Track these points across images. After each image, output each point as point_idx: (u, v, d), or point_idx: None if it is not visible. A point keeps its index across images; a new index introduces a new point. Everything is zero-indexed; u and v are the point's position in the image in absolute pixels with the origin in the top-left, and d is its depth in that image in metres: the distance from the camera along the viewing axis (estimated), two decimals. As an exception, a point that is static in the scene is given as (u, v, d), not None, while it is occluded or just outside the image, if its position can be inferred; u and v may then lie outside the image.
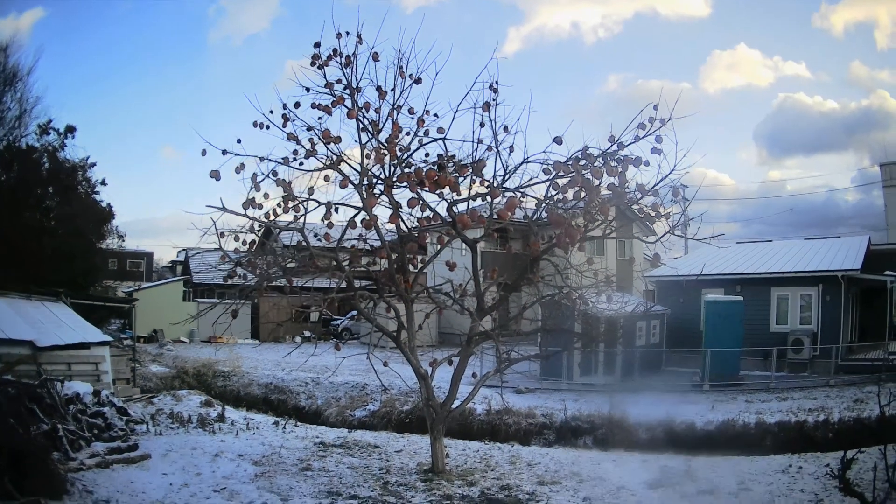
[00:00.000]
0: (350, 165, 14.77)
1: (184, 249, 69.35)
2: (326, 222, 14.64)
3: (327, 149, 14.56)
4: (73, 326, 21.59)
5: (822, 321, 32.18)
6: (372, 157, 14.28)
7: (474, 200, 13.84)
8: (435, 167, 13.02)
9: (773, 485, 14.74)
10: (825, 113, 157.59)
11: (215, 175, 13.43)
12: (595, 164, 12.76)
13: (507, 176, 13.48)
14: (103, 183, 47.39)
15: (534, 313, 17.11)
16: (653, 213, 13.35)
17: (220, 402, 25.23)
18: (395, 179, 13.55)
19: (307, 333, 50.24)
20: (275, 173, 14.45)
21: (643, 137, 12.88)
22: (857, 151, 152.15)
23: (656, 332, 34.01)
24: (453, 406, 16.19)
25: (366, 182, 14.17)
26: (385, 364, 15.56)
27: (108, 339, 23.22)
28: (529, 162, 13.18)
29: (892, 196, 51.47)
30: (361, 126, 14.53)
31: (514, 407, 25.04)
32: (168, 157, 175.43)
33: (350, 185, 14.22)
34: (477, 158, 13.33)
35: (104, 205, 47.75)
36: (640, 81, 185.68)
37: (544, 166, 12.88)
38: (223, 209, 13.50)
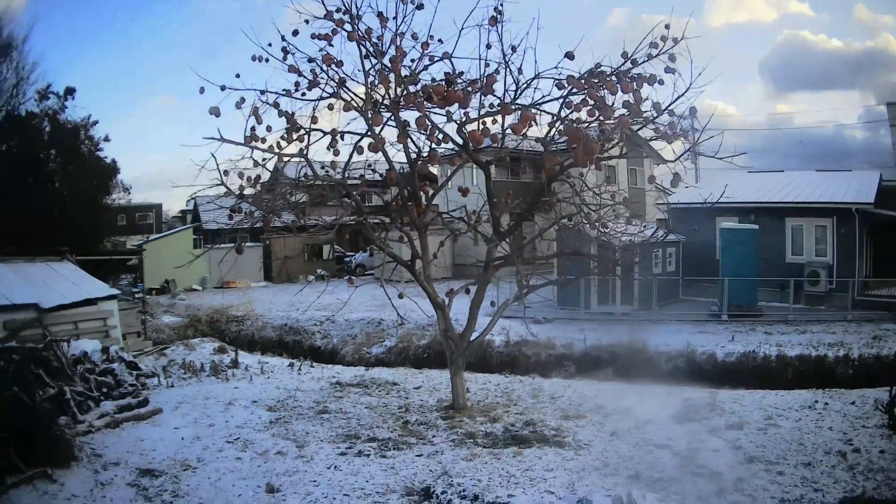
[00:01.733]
0: (353, 93, 14.14)
1: (193, 198, 68.84)
2: (332, 150, 14.11)
3: (328, 77, 13.98)
4: (77, 283, 21.08)
5: (838, 254, 31.70)
6: (376, 79, 13.61)
7: (484, 120, 13.13)
8: (443, 83, 12.32)
9: (800, 421, 14.37)
10: (830, 51, 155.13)
11: (215, 111, 12.74)
12: (609, 81, 12.10)
13: (518, 92, 12.77)
14: (106, 139, 47.73)
15: (548, 241, 16.54)
16: (670, 133, 12.67)
17: (233, 347, 24.92)
18: (401, 99, 12.82)
19: (320, 272, 49.97)
20: (276, 105, 13.90)
21: (656, 56, 12.35)
22: (863, 90, 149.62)
23: (672, 261, 33.69)
24: (472, 337, 15.74)
25: (371, 102, 13.48)
26: (401, 296, 14.97)
27: (115, 292, 22.71)
28: (541, 77, 12.47)
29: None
30: (364, 53, 13.88)
31: (532, 338, 24.41)
32: (170, 105, 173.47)
33: (355, 110, 13.52)
34: (487, 74, 12.65)
35: (108, 160, 47.66)
36: (644, 16, 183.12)
37: (557, 81, 12.17)
38: (221, 139, 12.89)
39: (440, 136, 13.41)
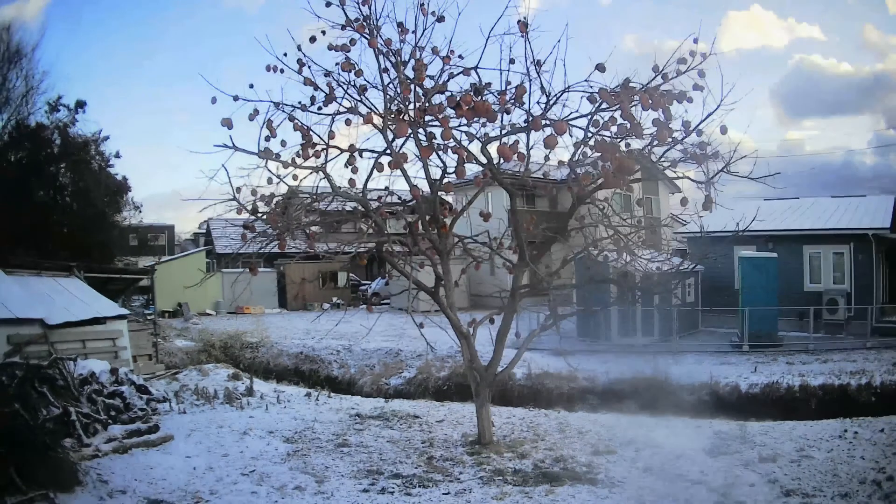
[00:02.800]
0: (372, 105, 13.45)
1: (206, 221, 68.67)
2: (350, 167, 13.43)
3: (346, 88, 13.37)
4: (86, 301, 20.38)
5: (855, 281, 31.82)
6: (398, 90, 12.92)
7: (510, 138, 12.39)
8: (471, 93, 11.54)
9: (832, 451, 13.85)
10: (840, 75, 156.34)
11: (227, 123, 12.12)
12: (643, 95, 11.34)
13: (549, 104, 11.98)
14: (117, 156, 47.35)
15: (570, 270, 15.79)
16: (700, 153, 11.92)
17: (248, 374, 24.30)
18: (426, 108, 12.06)
19: (336, 300, 49.55)
20: (292, 118, 13.26)
21: (685, 72, 11.65)
22: (873, 114, 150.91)
23: (691, 291, 33.10)
24: (498, 369, 14.93)
25: (395, 107, 12.75)
26: (421, 326, 14.35)
27: (125, 312, 21.98)
28: (571, 91, 11.66)
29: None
30: (382, 66, 13.22)
31: (554, 370, 24.08)
32: (183, 122, 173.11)
33: (373, 126, 12.84)
34: (516, 85, 11.88)
35: (119, 177, 47.38)
36: (655, 41, 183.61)
37: (589, 95, 11.40)
38: (234, 147, 12.25)
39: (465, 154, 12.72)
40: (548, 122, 11.54)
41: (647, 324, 30.01)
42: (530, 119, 11.68)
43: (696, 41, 11.46)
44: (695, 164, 12.18)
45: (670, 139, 11.80)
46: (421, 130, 12.45)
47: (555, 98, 11.75)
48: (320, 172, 13.39)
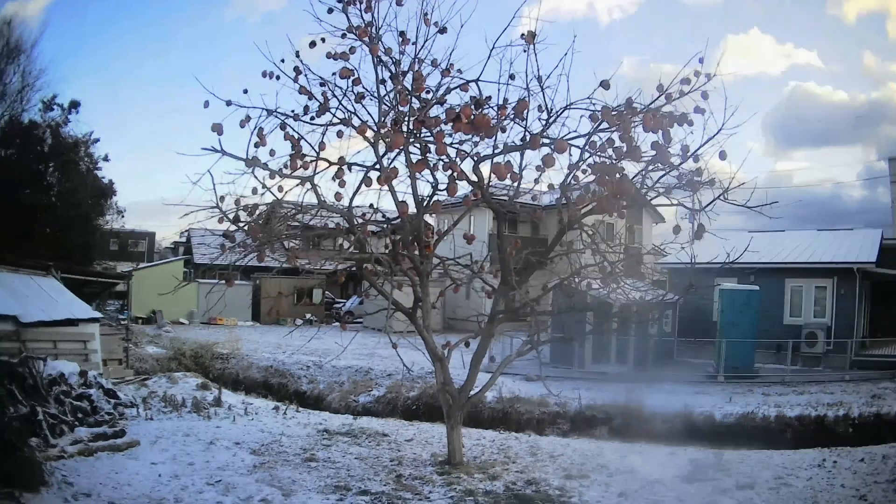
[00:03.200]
0: (367, 116, 13.40)
1: (186, 230, 68.43)
2: (338, 181, 13.24)
3: (343, 95, 13.27)
4: (60, 302, 20.17)
5: (837, 315, 31.69)
6: (395, 100, 12.87)
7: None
8: (471, 105, 11.42)
9: (811, 479, 13.86)
10: (834, 104, 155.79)
11: (217, 128, 12.01)
12: (647, 116, 11.27)
13: (549, 121, 11.93)
14: (105, 159, 47.47)
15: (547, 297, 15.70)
16: (696, 180, 11.91)
17: (217, 385, 24.02)
18: (425, 119, 11.93)
19: (309, 316, 49.42)
20: (283, 127, 13.15)
21: (688, 93, 11.54)
22: (865, 145, 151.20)
23: (668, 322, 32.87)
24: (472, 393, 14.88)
25: (390, 118, 12.62)
26: (394, 346, 13.92)
27: (98, 315, 21.75)
28: (573, 108, 11.58)
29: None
30: (380, 77, 13.20)
31: (525, 394, 24.20)
32: (176, 127, 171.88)
33: (365, 139, 12.75)
34: (518, 99, 11.78)
35: (105, 181, 47.24)
36: (652, 64, 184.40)
37: (591, 113, 11.35)
38: (221, 151, 12.15)
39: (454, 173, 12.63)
40: (547, 141, 11.50)
41: (621, 352, 29.97)
42: (528, 136, 11.57)
43: (701, 61, 11.38)
44: (689, 192, 12.11)
45: (669, 163, 11.77)
46: (415, 144, 12.35)
47: (556, 115, 11.71)
48: (307, 184, 13.24)
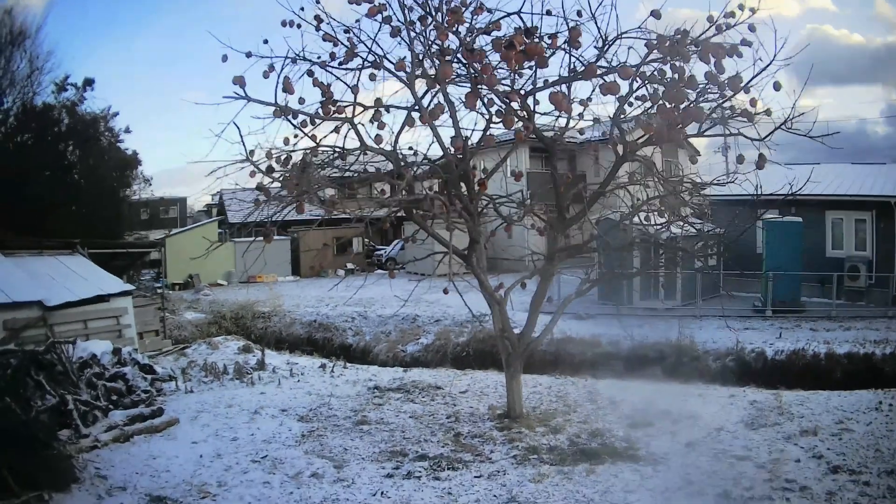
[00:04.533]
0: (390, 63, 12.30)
1: (219, 192, 67.98)
2: (376, 123, 12.35)
3: (370, 49, 12.33)
4: (88, 279, 19.32)
5: (877, 248, 31.14)
6: (430, 34, 11.80)
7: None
8: (522, 34, 10.25)
9: (871, 424, 13.18)
10: (852, 46, 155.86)
11: (239, 80, 11.08)
12: (707, 44, 10.27)
13: (604, 48, 10.81)
14: (127, 131, 47.52)
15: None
16: (752, 109, 10.84)
17: (259, 346, 23.24)
18: (472, 47, 10.80)
19: (350, 266, 48.73)
20: (311, 73, 12.21)
21: (734, 26, 10.71)
22: (885, 85, 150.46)
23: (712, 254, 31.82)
24: (532, 337, 14.00)
25: (437, 48, 11.45)
26: (445, 291, 13.03)
27: (130, 288, 20.88)
28: (625, 37, 10.54)
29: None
30: (407, 17, 12.07)
31: (576, 335, 23.40)
32: (196, 99, 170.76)
33: (401, 80, 11.74)
34: (570, 27, 10.66)
35: (129, 152, 47.34)
36: (671, 9, 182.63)
37: (647, 41, 10.28)
38: (246, 97, 11.23)
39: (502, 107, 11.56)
40: (603, 71, 10.44)
41: (669, 288, 29.41)
42: (575, 67, 10.53)
43: None
44: (745, 122, 11.19)
45: (724, 93, 10.87)
46: (465, 74, 11.26)
47: (610, 43, 10.66)
48: (343, 129, 12.51)
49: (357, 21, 12.21)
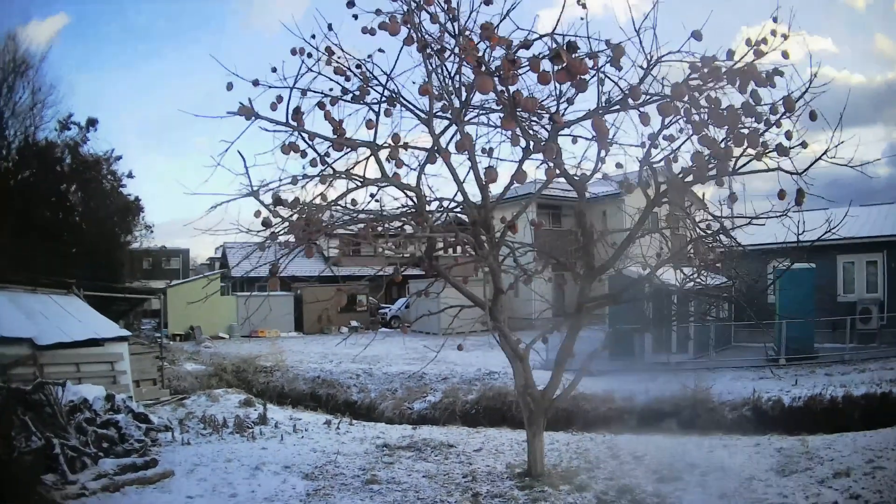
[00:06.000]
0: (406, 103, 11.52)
1: (221, 246, 67.65)
2: (394, 161, 11.47)
3: (384, 87, 11.46)
4: (82, 321, 18.49)
5: (889, 289, 31.47)
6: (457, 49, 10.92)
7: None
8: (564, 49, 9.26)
9: None
10: (853, 87, 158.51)
11: (246, 112, 10.19)
12: (753, 68, 9.46)
13: (649, 68, 9.90)
14: (130, 175, 47.33)
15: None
16: (786, 142, 10.01)
17: (261, 400, 22.38)
18: (514, 58, 9.81)
19: (354, 323, 48.07)
20: (322, 105, 11.42)
21: (767, 54, 9.96)
22: (886, 124, 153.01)
23: (724, 305, 31.27)
24: (555, 394, 13.04)
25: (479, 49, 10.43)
26: (460, 348, 13.12)
27: (126, 333, 20.03)
28: (664, 61, 9.66)
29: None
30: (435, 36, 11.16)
31: (589, 391, 22.32)
32: (201, 147, 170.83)
33: (417, 115, 10.93)
34: (614, 45, 9.70)
35: (132, 198, 46.98)
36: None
37: (691, 64, 9.41)
38: (254, 114, 10.37)
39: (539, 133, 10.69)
40: (648, 97, 9.54)
41: (681, 340, 28.78)
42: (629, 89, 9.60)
43: (775, 20, 9.92)
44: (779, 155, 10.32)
45: (764, 123, 9.94)
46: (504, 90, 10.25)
47: (652, 64, 9.73)
48: (359, 166, 11.60)
49: (369, 56, 11.54)
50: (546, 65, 8.80)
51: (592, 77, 9.58)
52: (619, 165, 11.62)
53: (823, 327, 29.59)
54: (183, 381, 28.63)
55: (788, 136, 10.07)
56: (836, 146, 10.10)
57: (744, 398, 21.25)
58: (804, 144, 10.17)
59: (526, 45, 9.53)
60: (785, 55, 9.93)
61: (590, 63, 9.19)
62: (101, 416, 14.33)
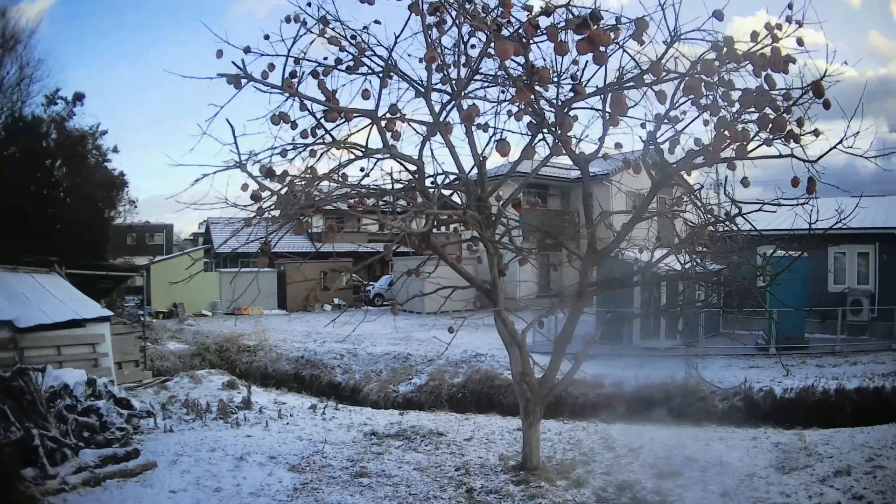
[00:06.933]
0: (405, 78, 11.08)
1: (205, 221, 67.26)
2: (391, 133, 11.11)
3: (387, 59, 10.91)
4: (64, 301, 17.97)
5: (881, 281, 31.16)
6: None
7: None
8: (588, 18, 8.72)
9: None
10: (844, 80, 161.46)
11: (234, 81, 9.71)
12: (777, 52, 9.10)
13: (671, 44, 9.42)
14: (115, 150, 46.92)
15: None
16: (798, 128, 9.68)
17: (245, 382, 22.10)
18: (537, 24, 9.27)
19: (337, 301, 47.76)
20: (315, 74, 10.91)
21: (782, 39, 9.54)
22: (876, 118, 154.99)
23: (709, 292, 31.09)
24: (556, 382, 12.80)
25: (493, 17, 9.83)
26: (451, 330, 12.39)
27: (108, 313, 19.39)
28: (683, 40, 9.20)
29: (921, 157, 49.92)
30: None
31: (577, 376, 21.82)
32: (191, 128, 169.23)
33: (435, 61, 10.36)
34: (636, 18, 9.16)
35: (116, 173, 46.86)
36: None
37: (713, 43, 8.99)
38: (246, 76, 9.87)
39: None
40: (668, 73, 9.11)
41: (670, 326, 28.28)
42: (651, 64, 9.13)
43: (790, 6, 9.55)
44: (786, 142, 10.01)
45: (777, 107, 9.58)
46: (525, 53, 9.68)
47: (674, 39, 9.23)
48: (355, 137, 11.23)
49: (365, 27, 11.04)
50: (564, 35, 8.39)
51: (614, 51, 9.15)
52: (618, 145, 11.29)
53: (813, 317, 29.54)
54: (166, 362, 28.43)
55: (800, 123, 9.76)
56: (855, 135, 9.82)
57: (734, 387, 21.04)
58: (816, 132, 9.89)
59: (548, 11, 8.98)
60: (800, 42, 9.63)
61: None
62: (82, 402, 13.83)
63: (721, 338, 29.39)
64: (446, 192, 12.32)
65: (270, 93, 10.28)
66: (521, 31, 9.09)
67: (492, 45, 9.57)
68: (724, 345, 27.77)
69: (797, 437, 14.93)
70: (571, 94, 9.88)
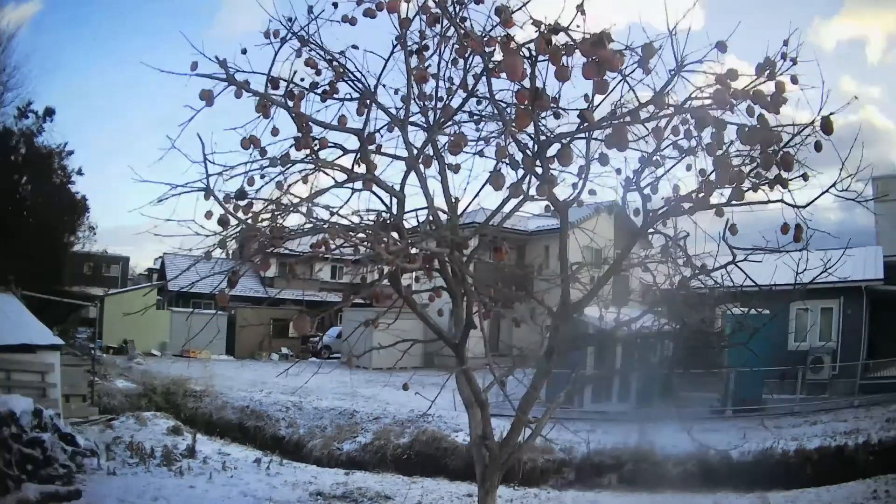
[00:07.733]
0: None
1: (161, 256, 66.83)
2: (365, 164, 10.39)
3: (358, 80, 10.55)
4: (17, 323, 17.70)
5: (843, 337, 31.02)
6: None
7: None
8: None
9: None
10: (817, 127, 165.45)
11: (206, 96, 9.38)
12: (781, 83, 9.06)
13: (676, 73, 9.17)
14: (79, 172, 46.41)
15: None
16: (786, 172, 9.52)
17: (190, 428, 21.85)
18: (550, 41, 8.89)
19: (285, 351, 47.58)
20: (291, 95, 10.28)
21: (780, 74, 9.08)
22: (845, 168, 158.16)
23: (668, 352, 31.03)
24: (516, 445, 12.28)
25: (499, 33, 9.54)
26: (405, 387, 12.02)
27: (59, 342, 19.09)
28: (686, 70, 9.02)
29: (885, 209, 50.15)
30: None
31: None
32: (157, 152, 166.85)
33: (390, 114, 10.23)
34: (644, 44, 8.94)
35: (79, 196, 46.58)
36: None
37: (716, 75, 8.88)
38: (227, 79, 9.33)
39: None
40: (672, 106, 9.00)
41: (622, 389, 28.44)
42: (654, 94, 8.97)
43: (785, 43, 9.22)
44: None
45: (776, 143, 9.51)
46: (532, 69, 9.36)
47: (678, 71, 9.08)
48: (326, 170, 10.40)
49: (341, 52, 10.40)
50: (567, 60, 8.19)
51: (618, 82, 8.95)
52: (592, 192, 10.88)
53: (771, 377, 29.10)
54: (113, 399, 27.91)
55: (788, 166, 9.65)
56: (850, 177, 9.55)
57: (689, 452, 20.32)
58: (805, 177, 9.77)
59: (556, 29, 8.67)
60: (794, 80, 9.14)
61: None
62: (28, 432, 13.62)
63: (677, 400, 29.49)
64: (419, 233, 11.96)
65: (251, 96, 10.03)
66: (530, 46, 8.77)
67: (493, 62, 9.42)
68: (679, 407, 27.72)
69: (759, 499, 15.31)
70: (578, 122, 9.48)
